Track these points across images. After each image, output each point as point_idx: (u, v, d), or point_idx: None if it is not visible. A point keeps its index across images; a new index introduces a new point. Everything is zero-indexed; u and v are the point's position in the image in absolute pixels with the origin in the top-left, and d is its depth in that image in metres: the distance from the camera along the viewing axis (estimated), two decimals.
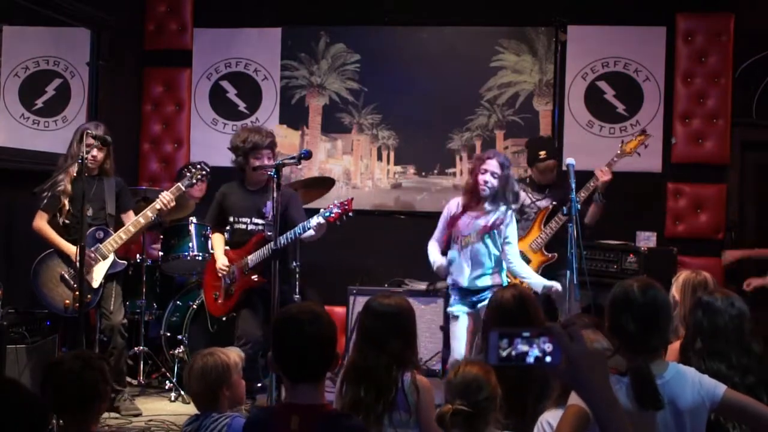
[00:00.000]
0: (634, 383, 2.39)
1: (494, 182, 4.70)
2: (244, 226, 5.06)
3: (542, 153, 5.56)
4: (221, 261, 5.07)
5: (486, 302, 4.66)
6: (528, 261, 5.25)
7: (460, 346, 4.73)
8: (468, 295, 4.78)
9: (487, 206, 4.77)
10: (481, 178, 4.72)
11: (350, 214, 4.67)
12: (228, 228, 5.17)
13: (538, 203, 5.48)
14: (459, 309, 4.79)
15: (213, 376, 2.96)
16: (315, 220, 4.68)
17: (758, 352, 2.90)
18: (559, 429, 2.35)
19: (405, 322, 3.18)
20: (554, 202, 5.39)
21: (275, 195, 4.21)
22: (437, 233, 4.93)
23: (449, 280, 4.90)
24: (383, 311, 3.16)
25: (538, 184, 5.59)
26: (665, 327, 2.54)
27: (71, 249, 5.00)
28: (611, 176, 5.25)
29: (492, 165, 4.72)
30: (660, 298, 2.52)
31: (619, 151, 5.34)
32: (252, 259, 4.97)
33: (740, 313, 2.92)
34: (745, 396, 2.50)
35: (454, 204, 4.87)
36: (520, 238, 5.31)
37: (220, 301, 5.18)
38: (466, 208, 4.79)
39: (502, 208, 4.76)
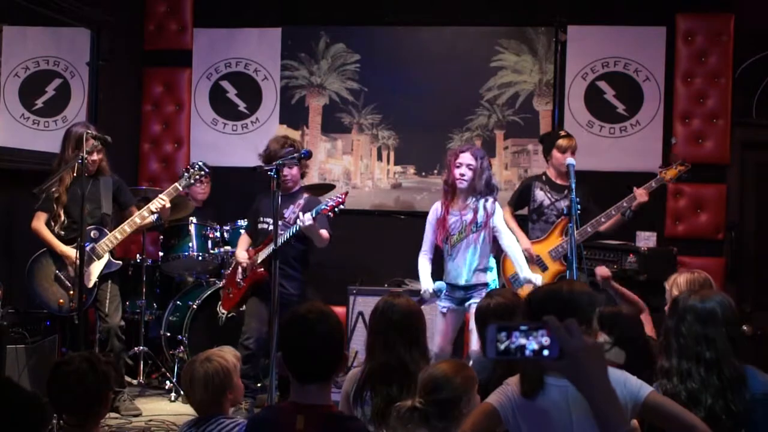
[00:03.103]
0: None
1: (470, 174, 4.80)
2: (266, 226, 5.22)
3: (562, 132, 5.56)
4: (240, 258, 5.29)
5: (474, 301, 4.75)
6: (545, 268, 5.23)
7: (439, 340, 4.90)
8: (456, 290, 4.89)
9: (467, 201, 4.85)
10: (456, 171, 4.83)
11: (342, 205, 4.81)
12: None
13: (557, 204, 5.39)
14: (445, 304, 4.92)
15: (217, 383, 2.93)
16: (308, 216, 4.83)
17: (722, 348, 2.73)
18: (465, 422, 2.38)
19: (423, 319, 3.29)
20: (578, 210, 5.31)
21: (275, 194, 4.30)
22: (426, 244, 4.97)
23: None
24: (409, 309, 3.24)
25: (556, 182, 5.49)
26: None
27: (65, 251, 5.03)
28: (648, 198, 5.21)
29: (466, 158, 4.83)
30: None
31: (657, 177, 5.28)
32: (261, 254, 5.16)
33: (709, 310, 2.77)
34: (670, 400, 2.44)
35: (438, 206, 4.96)
36: (538, 240, 5.35)
37: (231, 296, 5.39)
38: (448, 206, 4.88)
39: (483, 202, 4.81)
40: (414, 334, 3.20)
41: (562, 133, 5.61)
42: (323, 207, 4.81)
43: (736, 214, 6.28)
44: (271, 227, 5.13)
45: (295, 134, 6.80)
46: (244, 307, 5.38)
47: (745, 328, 4.18)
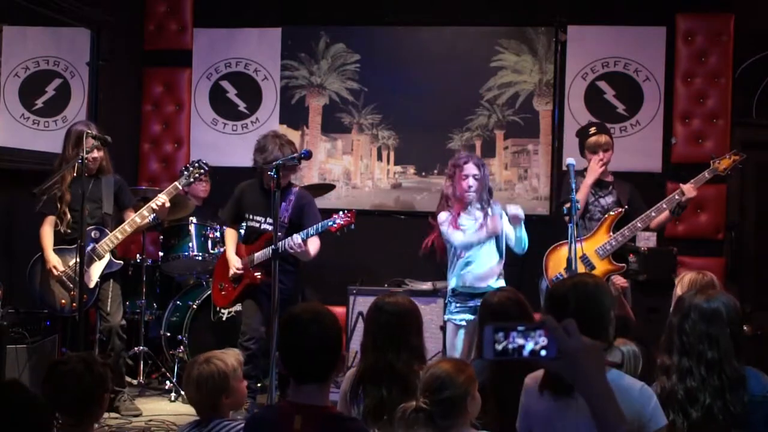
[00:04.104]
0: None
1: (477, 184, 4.75)
2: (257, 225, 5.14)
3: (592, 129, 5.30)
4: (234, 262, 5.17)
5: None
6: (592, 267, 4.97)
7: (457, 355, 4.70)
8: (470, 299, 4.77)
9: (473, 209, 4.80)
10: (464, 183, 4.76)
11: (352, 226, 4.72)
12: (243, 224, 5.28)
13: (600, 200, 5.22)
14: (461, 317, 4.78)
15: (210, 386, 2.89)
16: (301, 236, 4.79)
17: (721, 354, 2.71)
18: None
19: (417, 319, 3.25)
20: (626, 206, 5.14)
21: (275, 194, 4.27)
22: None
23: (450, 285, 4.90)
24: (398, 310, 3.21)
25: (598, 179, 5.23)
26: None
27: (48, 257, 5.04)
28: (696, 193, 5.03)
29: (470, 168, 4.77)
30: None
31: (710, 168, 5.08)
32: (258, 256, 5.07)
33: (713, 310, 2.75)
34: None
35: (445, 217, 4.83)
36: (585, 238, 5.05)
37: (224, 293, 5.31)
38: (456, 217, 4.78)
39: (494, 208, 4.75)
40: (403, 334, 3.16)
41: (592, 130, 5.32)
42: (331, 224, 4.71)
43: (736, 214, 6.29)
44: (263, 225, 5.10)
45: (295, 134, 6.81)
46: (240, 306, 5.36)
47: (745, 328, 4.18)
